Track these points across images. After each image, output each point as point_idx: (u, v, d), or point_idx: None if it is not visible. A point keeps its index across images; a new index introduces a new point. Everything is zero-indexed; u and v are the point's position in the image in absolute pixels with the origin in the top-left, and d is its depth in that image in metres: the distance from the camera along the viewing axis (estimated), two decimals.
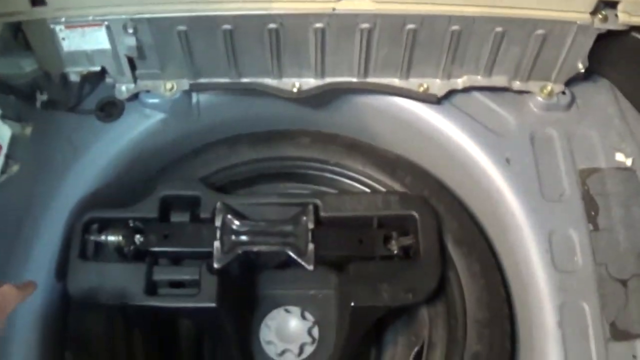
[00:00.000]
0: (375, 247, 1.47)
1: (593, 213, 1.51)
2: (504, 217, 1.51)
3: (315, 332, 1.57)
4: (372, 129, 1.70)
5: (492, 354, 1.41)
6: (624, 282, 1.45)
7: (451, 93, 1.62)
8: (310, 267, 1.41)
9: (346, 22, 1.47)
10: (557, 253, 1.45)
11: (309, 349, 1.56)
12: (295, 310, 1.59)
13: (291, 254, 1.41)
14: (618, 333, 1.40)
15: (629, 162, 1.57)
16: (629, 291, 1.45)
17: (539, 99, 1.62)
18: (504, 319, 1.46)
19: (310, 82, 1.60)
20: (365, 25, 1.47)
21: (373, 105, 1.65)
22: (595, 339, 1.39)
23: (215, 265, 1.41)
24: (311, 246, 1.42)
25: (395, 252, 1.47)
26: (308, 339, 1.56)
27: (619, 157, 1.58)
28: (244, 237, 1.43)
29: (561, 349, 1.36)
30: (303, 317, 1.59)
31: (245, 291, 1.59)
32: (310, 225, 1.43)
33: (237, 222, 1.44)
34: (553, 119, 1.61)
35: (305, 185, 1.67)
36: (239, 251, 1.42)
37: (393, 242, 1.48)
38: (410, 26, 1.47)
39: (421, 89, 1.60)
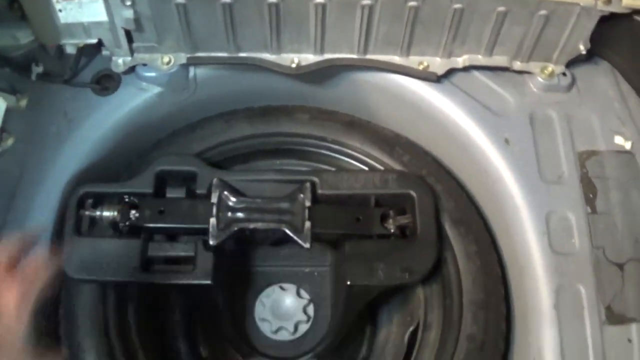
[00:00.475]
0: (372, 226, 1.46)
1: (591, 196, 1.50)
2: (501, 197, 1.51)
3: (311, 310, 1.57)
4: (371, 106, 1.69)
5: (488, 335, 1.41)
6: (620, 266, 1.45)
7: (451, 72, 1.61)
8: (307, 245, 1.40)
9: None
10: (554, 235, 1.45)
11: (303, 327, 1.56)
12: (291, 287, 1.59)
13: (287, 231, 1.40)
14: (613, 317, 1.41)
15: (628, 145, 1.57)
16: (625, 275, 1.45)
17: (540, 79, 1.61)
18: (499, 300, 1.45)
19: (310, 58, 1.58)
20: (366, 2, 1.45)
21: (372, 82, 1.64)
22: (590, 322, 1.39)
23: (211, 242, 1.39)
24: (308, 224, 1.40)
25: (392, 231, 1.46)
26: (303, 317, 1.56)
27: (619, 140, 1.58)
28: (240, 214, 1.42)
29: (556, 331, 1.37)
30: (298, 294, 1.58)
31: (240, 268, 1.58)
32: (307, 203, 1.42)
33: (233, 199, 1.43)
34: (553, 100, 1.60)
35: (302, 162, 1.65)
36: (235, 228, 1.41)
37: (390, 220, 1.47)
38: (412, 3, 1.46)
39: (421, 67, 1.59)
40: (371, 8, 1.47)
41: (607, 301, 1.42)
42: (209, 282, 1.38)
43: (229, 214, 1.42)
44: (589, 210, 1.49)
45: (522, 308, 1.45)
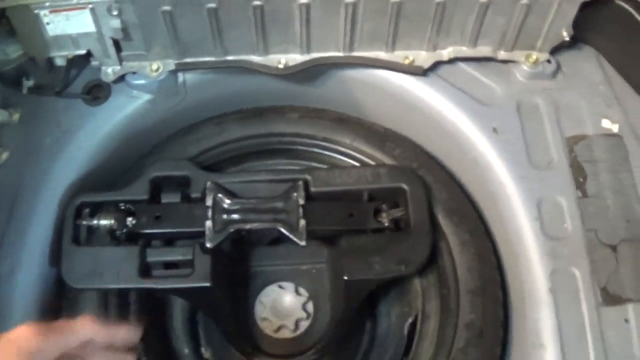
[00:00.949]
0: (366, 220, 1.47)
1: (581, 180, 1.52)
2: (492, 186, 1.52)
3: (310, 307, 1.59)
4: (360, 102, 1.70)
5: (486, 322, 1.43)
6: (613, 248, 1.47)
7: (437, 64, 1.62)
8: (302, 243, 1.41)
9: None
10: (546, 220, 1.46)
11: (304, 324, 1.57)
12: (289, 286, 1.60)
13: (283, 230, 1.42)
14: (609, 298, 1.42)
15: (615, 128, 1.58)
16: (619, 256, 1.46)
17: (525, 68, 1.62)
18: (495, 287, 1.47)
19: (297, 58, 1.60)
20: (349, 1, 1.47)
21: (360, 79, 1.66)
22: (587, 304, 1.40)
23: (208, 245, 1.41)
24: (302, 222, 1.42)
25: (386, 224, 1.47)
26: (303, 314, 1.57)
27: (606, 123, 1.59)
28: (235, 216, 1.43)
29: (553, 315, 1.38)
30: (297, 292, 1.60)
31: (239, 269, 1.60)
32: (301, 201, 1.43)
33: (227, 201, 1.44)
34: (539, 87, 1.62)
35: (295, 161, 1.66)
36: (231, 230, 1.42)
37: (383, 214, 1.48)
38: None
39: (407, 62, 1.60)
40: (355, 5, 1.48)
41: (603, 283, 1.44)
42: (208, 284, 1.39)
43: (224, 216, 1.43)
44: (580, 194, 1.50)
45: (518, 294, 1.47)
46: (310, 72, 1.64)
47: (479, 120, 1.56)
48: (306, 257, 1.61)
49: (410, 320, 1.54)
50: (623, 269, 1.45)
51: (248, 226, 1.43)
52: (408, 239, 1.45)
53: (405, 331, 1.54)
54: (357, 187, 1.49)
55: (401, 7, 1.48)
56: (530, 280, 1.43)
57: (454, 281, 1.47)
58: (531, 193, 1.48)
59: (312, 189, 1.47)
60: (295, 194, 1.45)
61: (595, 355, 1.36)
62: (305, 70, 1.61)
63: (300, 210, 1.43)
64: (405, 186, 1.48)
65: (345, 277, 1.41)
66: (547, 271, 1.42)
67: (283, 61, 1.59)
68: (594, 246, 1.46)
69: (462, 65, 1.64)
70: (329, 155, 1.65)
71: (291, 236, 1.42)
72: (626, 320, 1.41)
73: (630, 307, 1.42)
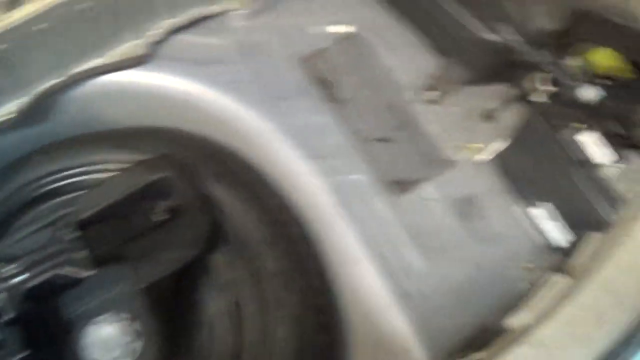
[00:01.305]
0: (144, 222, 1.45)
1: (329, 90, 1.54)
2: (250, 136, 1.53)
3: (137, 326, 1.55)
4: (103, 114, 1.64)
5: (291, 263, 1.42)
6: (385, 139, 1.50)
7: (156, 46, 1.59)
8: (90, 273, 1.39)
9: (22, 31, 1.43)
10: (308, 142, 1.48)
11: (138, 345, 1.54)
12: (105, 317, 1.57)
13: (65, 271, 1.38)
14: (401, 186, 1.45)
15: (347, 29, 1.60)
16: (392, 145, 1.49)
17: (239, 12, 1.62)
18: (287, 227, 1.46)
19: (21, 101, 1.54)
20: (40, 27, 1.44)
21: (92, 92, 1.61)
22: (382, 202, 1.43)
23: (7, 317, 1.36)
24: (83, 253, 1.39)
25: (164, 217, 1.45)
26: (132, 337, 1.54)
27: (339, 28, 1.61)
28: (16, 279, 1.39)
29: (354, 227, 1.41)
30: (115, 320, 1.56)
31: (53, 323, 1.55)
32: (73, 234, 1.40)
33: (6, 267, 1.40)
34: (257, 24, 1.63)
35: (58, 199, 1.60)
36: (19, 295, 1.37)
37: (158, 209, 1.46)
38: (80, 6, 1.45)
39: (125, 57, 1.57)
40: (45, 30, 1.45)
41: (389, 175, 1.46)
42: (24, 354, 1.34)
43: (7, 283, 1.38)
44: (333, 103, 1.52)
45: (315, 222, 1.47)
46: (45, 109, 1.59)
47: (212, 80, 1.55)
48: (109, 283, 1.56)
49: (227, 295, 1.51)
50: (402, 155, 1.49)
51: (31, 283, 1.39)
52: (187, 223, 1.43)
53: (230, 306, 1.51)
54: (122, 194, 1.46)
55: (86, 12, 1.46)
56: (318, 204, 1.44)
57: (249, 239, 1.46)
58: (283, 123, 1.49)
59: (81, 217, 1.43)
60: (64, 230, 1.41)
61: (414, 243, 1.39)
62: (36, 110, 1.56)
63: (76, 242, 1.39)
64: (167, 174, 1.45)
65: (143, 285, 1.40)
66: (330, 189, 1.43)
67: (10, 110, 1.54)
68: (365, 145, 1.48)
69: (180, 36, 1.62)
70: (89, 179, 1.59)
71: (77, 273, 1.39)
72: (425, 199, 1.44)
73: (422, 188, 1.45)
